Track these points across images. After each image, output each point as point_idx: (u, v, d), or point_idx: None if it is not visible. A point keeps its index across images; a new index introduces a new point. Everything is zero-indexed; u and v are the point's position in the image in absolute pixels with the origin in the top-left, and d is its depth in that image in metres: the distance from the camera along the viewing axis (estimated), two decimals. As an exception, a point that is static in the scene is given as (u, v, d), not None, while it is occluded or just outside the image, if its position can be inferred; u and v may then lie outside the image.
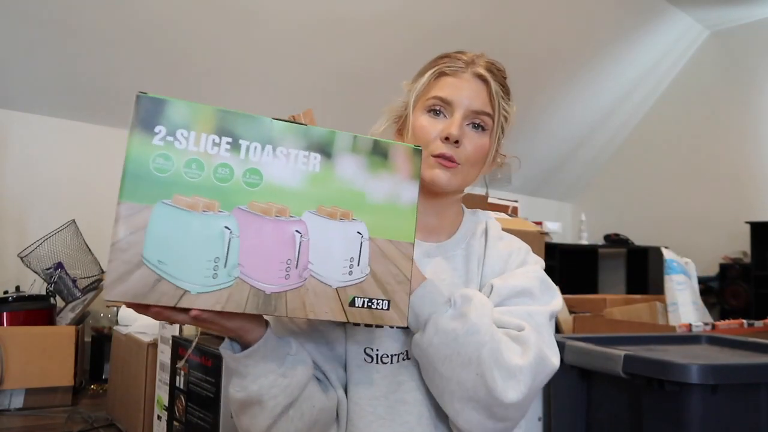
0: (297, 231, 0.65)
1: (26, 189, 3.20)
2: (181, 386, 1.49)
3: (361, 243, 0.67)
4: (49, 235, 2.84)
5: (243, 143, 0.63)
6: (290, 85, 3.72)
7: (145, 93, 0.61)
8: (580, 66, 4.82)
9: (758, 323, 2.20)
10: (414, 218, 0.70)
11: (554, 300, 0.83)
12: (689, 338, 1.61)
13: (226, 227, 0.63)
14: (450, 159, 0.82)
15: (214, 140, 0.62)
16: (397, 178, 0.69)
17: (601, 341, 1.42)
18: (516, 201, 2.35)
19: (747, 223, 4.61)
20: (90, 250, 2.96)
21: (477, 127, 0.84)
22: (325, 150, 0.66)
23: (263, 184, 0.64)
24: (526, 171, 5.43)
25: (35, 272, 2.81)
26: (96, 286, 2.88)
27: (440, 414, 0.78)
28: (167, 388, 1.60)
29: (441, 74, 0.85)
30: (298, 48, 3.58)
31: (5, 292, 2.71)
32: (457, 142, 0.82)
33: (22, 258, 2.79)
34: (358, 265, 0.67)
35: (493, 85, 0.85)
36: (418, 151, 0.70)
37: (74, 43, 3.04)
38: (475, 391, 0.71)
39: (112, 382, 2.33)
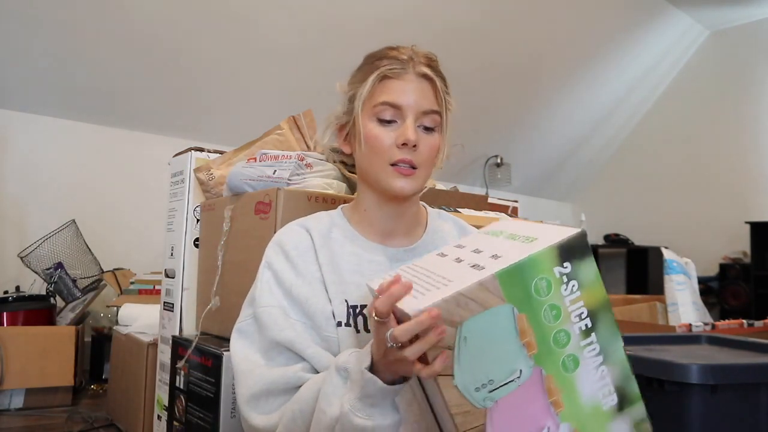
0: (548, 427, 0.65)
1: (26, 189, 3.20)
2: (181, 386, 1.49)
3: None
4: (49, 235, 2.84)
5: (593, 337, 0.64)
6: (289, 86, 3.72)
7: (584, 235, 0.63)
8: (580, 66, 4.82)
9: (758, 323, 2.20)
10: None
11: None
12: (689, 338, 1.60)
13: (521, 369, 0.63)
14: (410, 164, 0.83)
15: (581, 314, 0.63)
16: None
17: (601, 341, 1.41)
18: (516, 201, 2.34)
19: (747, 223, 4.60)
20: (90, 250, 2.96)
21: (427, 129, 0.85)
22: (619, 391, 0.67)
23: (573, 375, 0.64)
24: (526, 171, 5.43)
25: (35, 272, 2.81)
26: (96, 286, 2.87)
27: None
28: (167, 388, 1.59)
29: (384, 77, 0.84)
30: (297, 49, 3.58)
31: (5, 292, 2.71)
32: (415, 146, 0.83)
33: (22, 258, 2.78)
34: None
35: (438, 82, 0.85)
36: None
37: (73, 44, 3.04)
38: None
39: (112, 382, 2.32)
